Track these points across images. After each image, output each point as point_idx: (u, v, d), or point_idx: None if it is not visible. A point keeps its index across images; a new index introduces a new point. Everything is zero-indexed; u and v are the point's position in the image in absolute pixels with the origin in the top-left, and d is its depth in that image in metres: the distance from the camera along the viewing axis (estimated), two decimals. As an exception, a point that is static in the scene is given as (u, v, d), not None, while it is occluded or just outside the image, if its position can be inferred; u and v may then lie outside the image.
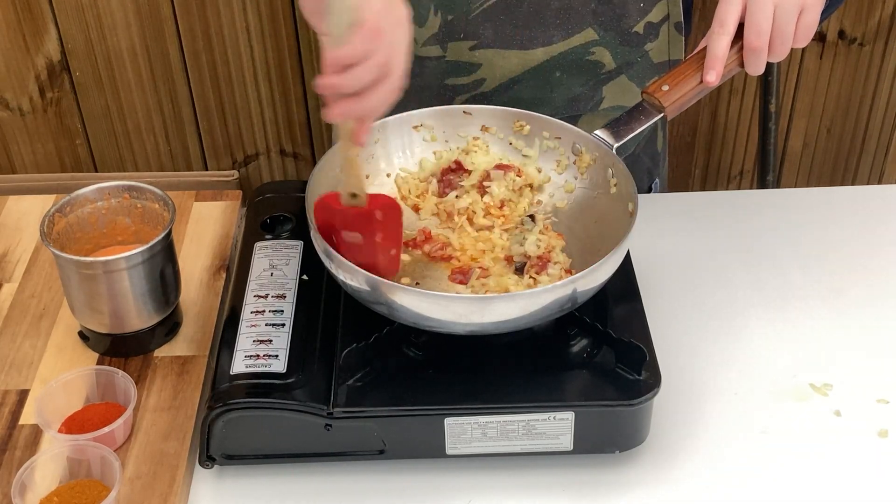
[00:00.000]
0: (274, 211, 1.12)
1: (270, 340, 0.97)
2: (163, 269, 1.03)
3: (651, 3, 1.19)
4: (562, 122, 1.08)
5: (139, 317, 1.03)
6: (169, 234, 1.02)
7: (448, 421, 0.92)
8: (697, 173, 2.13)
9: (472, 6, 1.17)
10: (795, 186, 2.11)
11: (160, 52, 1.85)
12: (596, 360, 0.96)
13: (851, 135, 2.07)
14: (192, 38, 1.85)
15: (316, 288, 1.03)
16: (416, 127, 1.10)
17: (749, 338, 1.10)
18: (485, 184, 1.07)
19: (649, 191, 1.45)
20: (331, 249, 0.92)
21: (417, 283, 0.99)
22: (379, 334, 0.95)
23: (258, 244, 1.08)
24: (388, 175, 1.10)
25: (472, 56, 1.20)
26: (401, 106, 1.24)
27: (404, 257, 1.02)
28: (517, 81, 1.21)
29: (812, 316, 1.12)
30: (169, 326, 1.07)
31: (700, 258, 1.21)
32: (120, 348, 1.05)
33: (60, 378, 0.99)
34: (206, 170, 2.04)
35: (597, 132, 1.05)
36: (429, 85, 1.23)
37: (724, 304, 1.14)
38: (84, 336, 1.06)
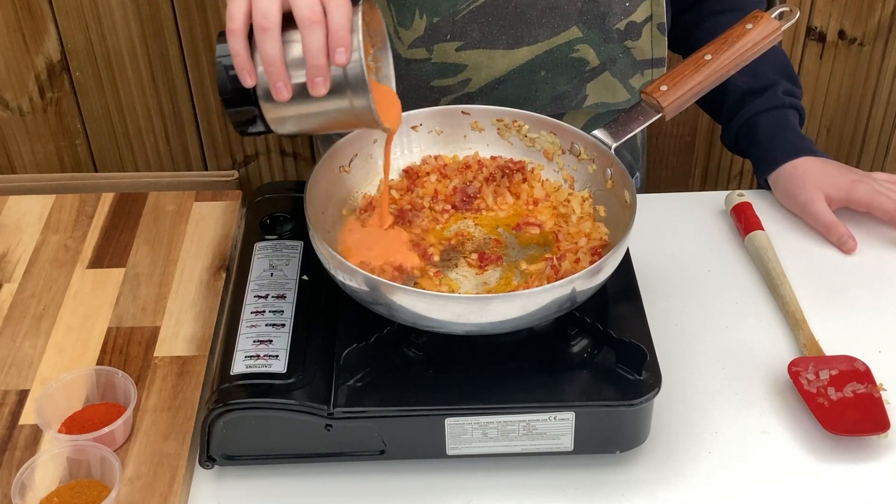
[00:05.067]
0: (274, 211, 1.12)
1: (270, 340, 0.97)
2: None
3: (636, 4, 1.20)
4: (559, 121, 1.08)
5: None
6: None
7: (448, 421, 0.92)
8: (697, 173, 2.13)
9: (458, 7, 1.17)
10: (795, 186, 2.10)
11: (160, 52, 1.85)
12: (596, 360, 0.96)
13: (851, 135, 2.07)
14: (191, 38, 1.85)
15: (316, 288, 1.03)
16: (414, 127, 1.11)
17: (749, 338, 1.10)
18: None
19: None
20: (332, 252, 0.92)
21: (416, 283, 1.00)
22: (379, 334, 0.95)
23: (258, 244, 1.08)
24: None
25: (457, 57, 1.20)
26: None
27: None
28: (502, 81, 1.22)
29: (813, 316, 1.12)
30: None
31: (700, 258, 1.21)
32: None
33: (60, 378, 0.99)
34: (206, 170, 2.04)
35: (595, 132, 1.05)
36: (415, 87, 1.23)
37: (724, 304, 1.15)
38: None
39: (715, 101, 1.35)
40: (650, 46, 1.23)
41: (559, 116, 1.25)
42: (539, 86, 1.23)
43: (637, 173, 1.46)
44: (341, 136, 1.06)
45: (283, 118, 0.91)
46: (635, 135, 1.41)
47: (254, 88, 0.89)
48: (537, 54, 1.20)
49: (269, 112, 0.90)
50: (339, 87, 0.88)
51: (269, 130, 0.92)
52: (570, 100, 1.24)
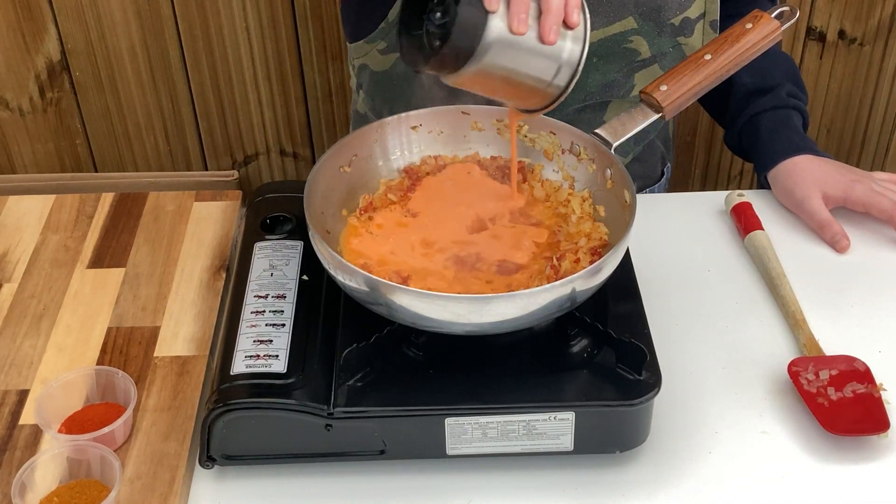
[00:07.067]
0: (274, 211, 1.12)
1: (270, 340, 0.97)
2: None
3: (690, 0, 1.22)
4: (559, 121, 1.08)
5: None
6: None
7: (448, 421, 0.92)
8: (697, 173, 2.13)
9: None
10: (795, 186, 2.10)
11: (160, 52, 1.86)
12: (596, 360, 0.96)
13: (851, 135, 2.07)
14: (192, 38, 1.85)
15: (316, 288, 1.03)
16: (414, 127, 1.11)
17: (749, 338, 1.10)
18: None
19: (662, 175, 1.47)
20: (332, 252, 0.91)
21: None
22: (379, 334, 0.95)
23: (258, 244, 1.09)
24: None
25: None
26: (430, 94, 1.25)
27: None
28: None
29: (812, 316, 1.12)
30: None
31: (700, 258, 1.21)
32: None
33: (60, 378, 0.99)
34: (206, 170, 2.04)
35: (596, 132, 1.05)
36: None
37: (724, 304, 1.15)
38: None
39: (720, 103, 1.35)
40: (701, 43, 1.25)
41: (605, 104, 1.28)
42: (590, 72, 1.25)
43: (668, 163, 1.48)
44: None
45: (487, 62, 0.88)
46: (668, 125, 1.43)
47: (486, 16, 0.87)
48: (591, 42, 1.21)
49: (487, 44, 0.87)
50: (559, 48, 0.91)
51: (442, 68, 0.90)
52: (619, 88, 1.26)
